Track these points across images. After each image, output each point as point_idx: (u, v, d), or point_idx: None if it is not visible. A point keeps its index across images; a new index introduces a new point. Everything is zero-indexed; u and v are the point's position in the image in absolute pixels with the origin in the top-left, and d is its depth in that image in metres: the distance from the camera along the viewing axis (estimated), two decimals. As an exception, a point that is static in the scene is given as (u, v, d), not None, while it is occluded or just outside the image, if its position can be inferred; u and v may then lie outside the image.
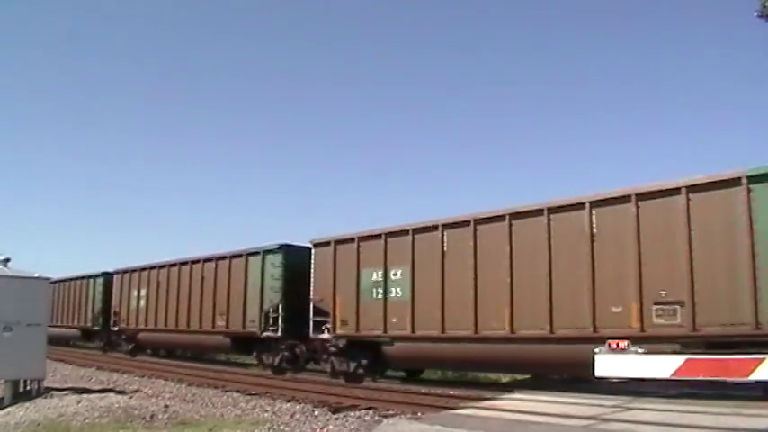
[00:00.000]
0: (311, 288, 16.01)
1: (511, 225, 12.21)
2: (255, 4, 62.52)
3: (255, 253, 18.17)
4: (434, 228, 13.51)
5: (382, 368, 15.39)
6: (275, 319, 17.02)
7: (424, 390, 13.44)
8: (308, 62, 58.41)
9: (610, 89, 47.91)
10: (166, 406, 11.04)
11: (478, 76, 53.54)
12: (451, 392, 12.74)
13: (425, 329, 13.37)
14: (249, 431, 9.08)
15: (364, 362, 15.01)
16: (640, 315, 10.35)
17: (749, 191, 9.47)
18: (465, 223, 12.97)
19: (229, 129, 63.97)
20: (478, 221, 12.77)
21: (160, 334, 22.69)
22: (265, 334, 17.29)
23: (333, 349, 15.54)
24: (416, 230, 13.88)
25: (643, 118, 45.96)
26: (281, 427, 9.25)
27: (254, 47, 62.18)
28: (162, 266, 22.81)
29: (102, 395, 12.58)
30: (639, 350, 10.24)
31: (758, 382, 9.24)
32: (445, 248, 13.23)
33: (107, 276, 26.68)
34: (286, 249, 17.39)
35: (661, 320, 10.20)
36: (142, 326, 23.50)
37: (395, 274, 14.16)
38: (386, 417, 10.09)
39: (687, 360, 9.66)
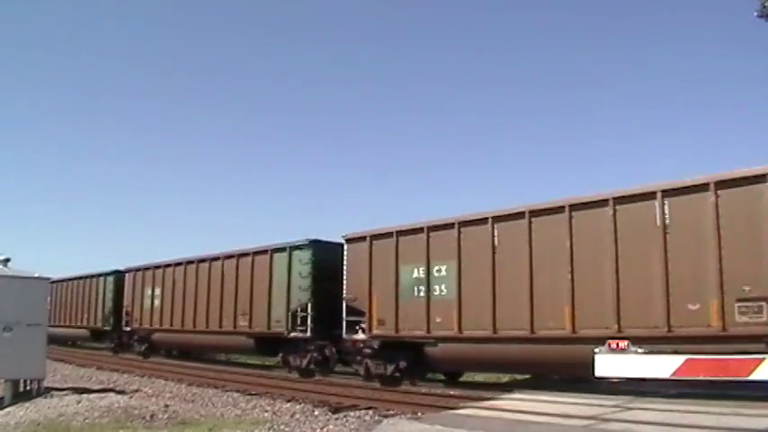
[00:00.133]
0: (344, 286, 15.15)
1: (571, 217, 11.38)
2: (255, 4, 61.81)
3: (281, 249, 17.26)
4: (483, 220, 12.63)
5: (423, 371, 14.51)
6: (303, 319, 16.16)
7: (424, 390, 13.27)
8: (309, 62, 57.92)
9: (610, 89, 47.56)
10: (166, 406, 11.11)
11: (479, 76, 53.10)
12: (451, 392, 12.63)
13: (474, 329, 12.51)
14: (249, 431, 9.10)
15: (403, 364, 14.08)
16: (721, 313, 9.54)
17: None
18: (519, 215, 12.11)
19: (229, 129, 63.45)
20: (534, 213, 11.91)
21: (176, 334, 21.74)
22: (293, 334, 16.42)
23: (368, 351, 14.66)
24: (463, 224, 13.00)
25: (643, 118, 45.50)
26: (281, 427, 9.25)
27: (255, 47, 61.62)
28: (178, 264, 21.83)
29: (103, 395, 12.57)
30: (639, 350, 10.07)
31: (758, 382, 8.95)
32: (496, 242, 12.37)
33: (118, 275, 25.69)
34: (315, 245, 16.53)
35: (745, 318, 9.39)
36: (156, 326, 22.52)
37: (438, 271, 13.30)
38: (386, 417, 10.07)
39: (687, 360, 9.52)
